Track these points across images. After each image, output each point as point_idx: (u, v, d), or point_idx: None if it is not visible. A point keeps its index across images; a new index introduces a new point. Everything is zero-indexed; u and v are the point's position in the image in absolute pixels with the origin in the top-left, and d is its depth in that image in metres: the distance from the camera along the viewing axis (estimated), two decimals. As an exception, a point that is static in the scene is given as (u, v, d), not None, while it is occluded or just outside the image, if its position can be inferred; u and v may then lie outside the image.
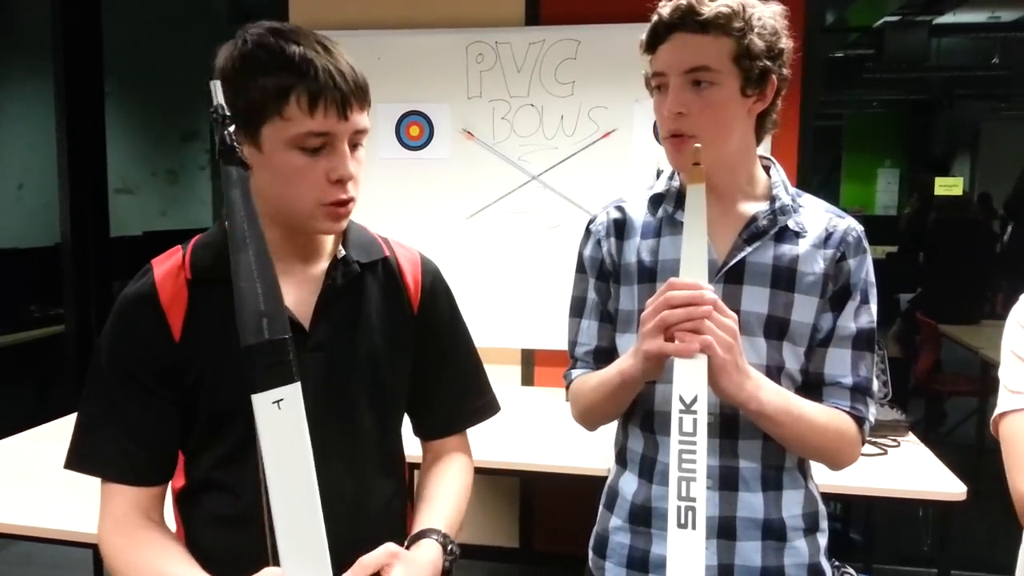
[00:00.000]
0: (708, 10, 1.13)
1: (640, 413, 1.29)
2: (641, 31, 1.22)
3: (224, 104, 0.85)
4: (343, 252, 1.07)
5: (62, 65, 3.62)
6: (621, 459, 1.35)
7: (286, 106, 0.93)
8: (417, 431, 1.24)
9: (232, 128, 0.85)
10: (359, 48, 3.14)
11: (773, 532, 1.24)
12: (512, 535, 3.48)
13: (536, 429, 2.61)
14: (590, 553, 1.37)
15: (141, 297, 1.01)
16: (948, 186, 3.05)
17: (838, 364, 1.23)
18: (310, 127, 0.93)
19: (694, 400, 0.91)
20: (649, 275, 1.26)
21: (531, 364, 3.26)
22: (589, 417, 1.33)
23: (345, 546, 1.04)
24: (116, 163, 4.18)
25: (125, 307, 1.02)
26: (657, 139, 2.32)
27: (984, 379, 3.68)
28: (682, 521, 0.88)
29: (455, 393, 1.22)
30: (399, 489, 1.17)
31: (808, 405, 1.19)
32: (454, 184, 3.15)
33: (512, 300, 3.18)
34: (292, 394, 0.82)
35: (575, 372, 1.36)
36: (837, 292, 1.24)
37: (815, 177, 2.69)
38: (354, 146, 0.99)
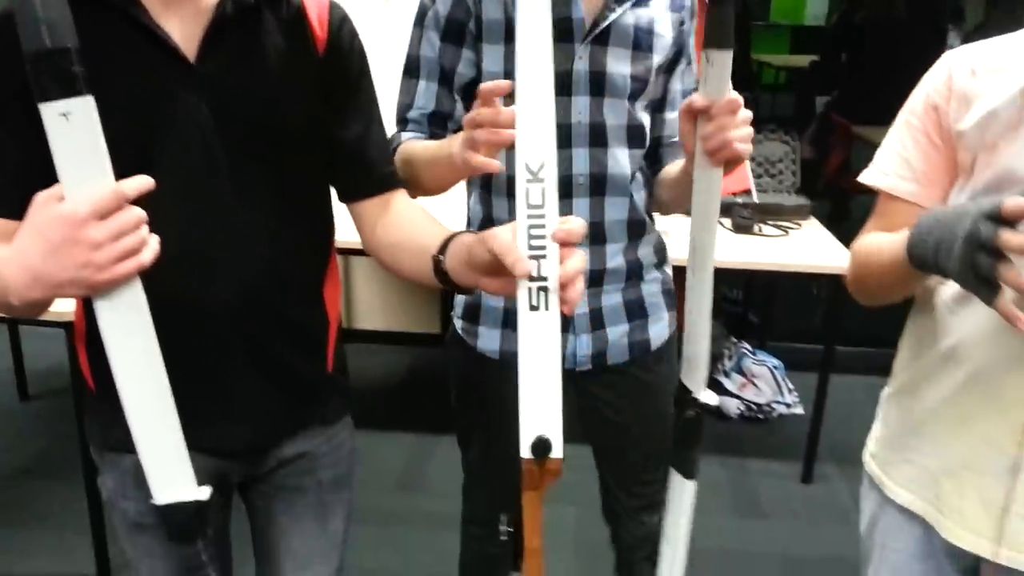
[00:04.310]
0: None
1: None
2: None
3: None
4: None
5: None
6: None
7: None
8: (353, 190, 1.14)
9: None
10: None
11: (632, 273, 1.37)
12: (434, 321, 3.61)
13: (456, 216, 2.63)
14: (458, 322, 1.42)
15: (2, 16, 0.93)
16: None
17: (674, 125, 1.31)
18: None
19: (541, 167, 0.80)
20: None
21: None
22: (419, 181, 1.23)
23: (255, 288, 1.02)
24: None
25: None
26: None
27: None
28: (534, 303, 0.80)
29: (385, 147, 1.15)
30: (316, 241, 1.12)
31: None
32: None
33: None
34: (82, 108, 0.78)
35: (405, 135, 1.29)
36: (673, 56, 1.32)
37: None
38: None
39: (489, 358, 1.37)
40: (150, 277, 0.84)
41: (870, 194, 1.14)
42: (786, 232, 2.52)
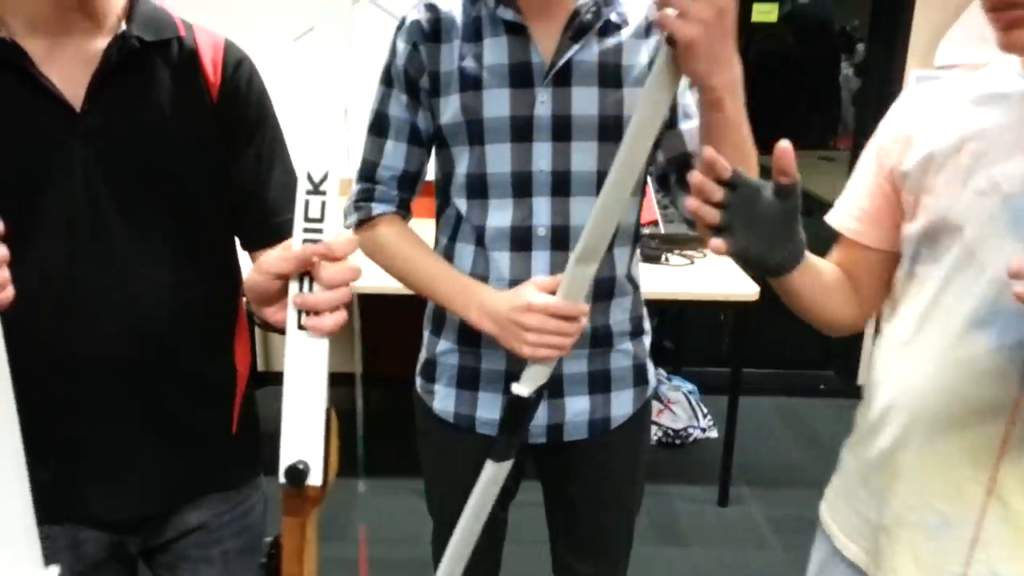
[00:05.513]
0: None
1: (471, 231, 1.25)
2: None
3: None
4: (124, 27, 0.95)
5: None
6: None
7: None
8: (253, 239, 1.10)
9: None
10: None
11: (599, 340, 1.26)
12: (349, 361, 3.56)
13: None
14: (418, 379, 1.37)
15: None
16: (764, 12, 3.10)
17: (695, 136, 1.15)
18: None
19: (324, 178, 0.77)
20: (473, 83, 1.18)
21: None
22: (387, 272, 1.30)
23: (156, 350, 0.99)
24: None
25: None
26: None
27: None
28: (302, 322, 0.76)
29: (290, 194, 1.13)
30: (220, 291, 1.09)
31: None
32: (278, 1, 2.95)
33: (351, 127, 3.08)
34: None
35: (377, 207, 1.28)
36: None
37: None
38: None
39: (443, 419, 1.31)
40: (28, 327, 0.80)
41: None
42: (692, 261, 2.60)
